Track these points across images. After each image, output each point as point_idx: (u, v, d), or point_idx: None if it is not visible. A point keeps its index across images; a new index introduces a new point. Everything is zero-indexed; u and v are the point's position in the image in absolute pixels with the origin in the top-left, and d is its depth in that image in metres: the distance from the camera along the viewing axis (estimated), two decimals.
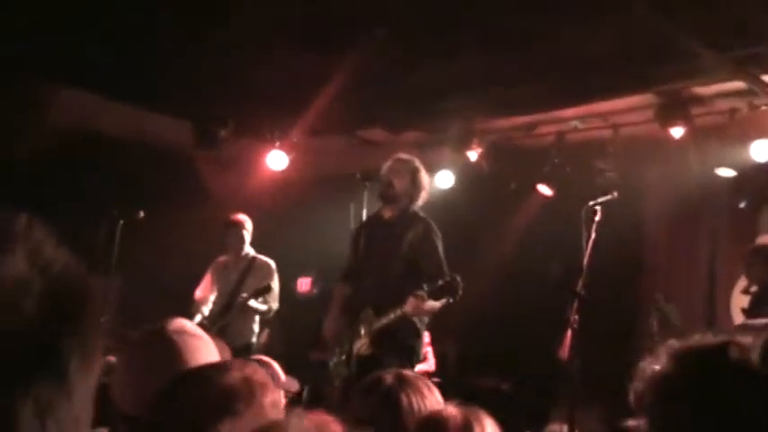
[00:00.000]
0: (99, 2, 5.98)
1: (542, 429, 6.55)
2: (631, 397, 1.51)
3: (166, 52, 6.53)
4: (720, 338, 1.47)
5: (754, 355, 1.44)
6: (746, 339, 1.47)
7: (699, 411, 1.39)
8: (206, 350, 2.13)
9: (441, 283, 5.16)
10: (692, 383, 1.42)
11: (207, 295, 6.88)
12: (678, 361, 1.44)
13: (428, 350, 7.28)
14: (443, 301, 5.22)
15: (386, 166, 5.73)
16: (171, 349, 2.06)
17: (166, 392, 1.81)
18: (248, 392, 1.73)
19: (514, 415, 2.18)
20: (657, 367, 1.46)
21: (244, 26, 6.15)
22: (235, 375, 1.76)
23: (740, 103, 6.91)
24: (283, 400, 1.84)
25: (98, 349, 0.75)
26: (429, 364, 7.21)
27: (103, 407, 2.32)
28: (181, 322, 2.15)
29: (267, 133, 8.01)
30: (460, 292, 5.17)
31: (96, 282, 0.77)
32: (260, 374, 1.81)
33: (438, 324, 6.27)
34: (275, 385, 1.86)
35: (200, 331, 2.19)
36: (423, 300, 5.15)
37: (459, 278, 5.19)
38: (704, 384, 1.41)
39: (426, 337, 7.07)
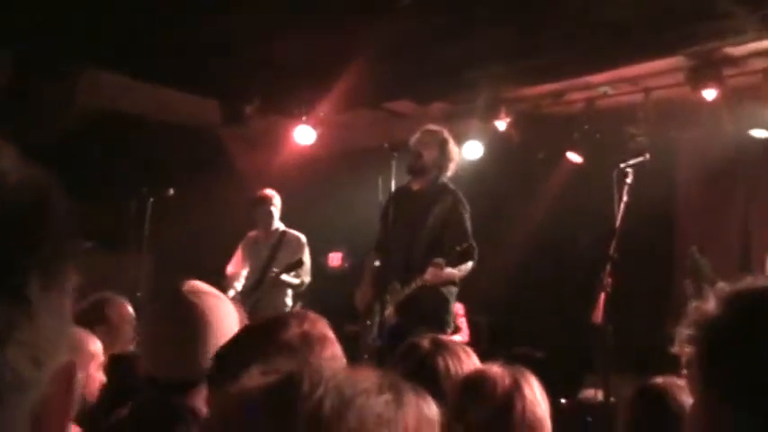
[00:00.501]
0: None
1: (577, 395, 6.54)
2: (675, 346, 1.38)
3: (191, 30, 6.52)
4: None
5: None
6: None
7: (757, 358, 1.25)
8: (224, 307, 2.18)
9: (458, 249, 5.13)
10: (748, 328, 1.28)
11: (239, 271, 6.91)
12: (731, 304, 1.30)
13: (462, 321, 7.27)
14: (463, 267, 5.19)
15: (414, 137, 5.67)
16: (191, 310, 2.10)
17: (225, 349, 1.82)
18: (307, 347, 1.73)
19: (549, 382, 2.15)
20: (706, 312, 1.31)
21: (269, 1, 6.12)
22: (293, 331, 1.76)
23: None
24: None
25: (65, 271, 0.69)
26: (463, 335, 7.20)
27: (130, 377, 2.37)
28: (195, 283, 2.19)
29: (294, 109, 7.99)
30: (476, 256, 5.15)
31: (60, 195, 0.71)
32: (318, 328, 1.81)
33: (470, 294, 6.25)
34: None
35: (214, 290, 2.24)
36: (441, 267, 5.12)
37: (474, 244, 5.16)
38: (764, 328, 1.28)
39: (461, 309, 7.06)
